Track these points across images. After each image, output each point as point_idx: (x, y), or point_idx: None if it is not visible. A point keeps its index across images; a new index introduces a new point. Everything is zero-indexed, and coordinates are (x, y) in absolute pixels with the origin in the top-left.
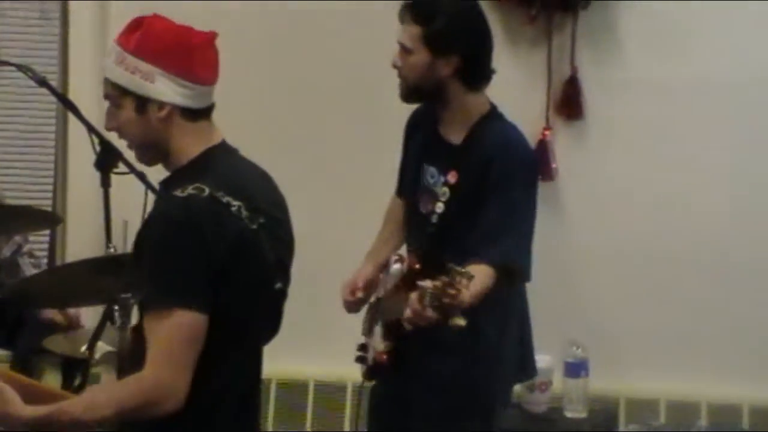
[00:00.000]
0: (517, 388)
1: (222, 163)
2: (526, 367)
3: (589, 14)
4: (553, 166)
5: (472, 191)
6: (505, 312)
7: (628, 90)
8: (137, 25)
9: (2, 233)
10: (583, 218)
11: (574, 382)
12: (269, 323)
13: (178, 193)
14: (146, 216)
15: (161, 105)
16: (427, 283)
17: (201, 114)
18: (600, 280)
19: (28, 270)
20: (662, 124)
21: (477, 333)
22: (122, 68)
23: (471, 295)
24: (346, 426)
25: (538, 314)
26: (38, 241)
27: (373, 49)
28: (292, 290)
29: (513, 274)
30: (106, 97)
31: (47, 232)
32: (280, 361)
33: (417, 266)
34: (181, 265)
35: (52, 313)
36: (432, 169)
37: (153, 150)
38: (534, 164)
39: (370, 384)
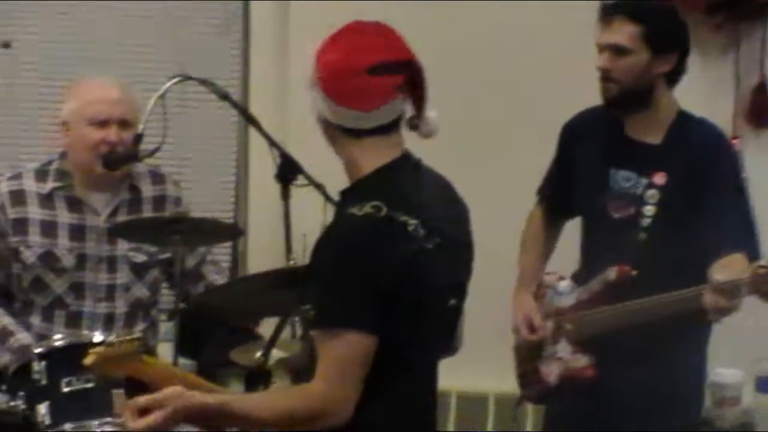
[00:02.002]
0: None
1: (401, 179)
2: None
3: None
4: (743, 175)
5: (689, 192)
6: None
7: None
8: (327, 39)
9: (187, 245)
10: None
11: (765, 398)
12: (443, 340)
13: (356, 211)
14: (324, 230)
15: (325, 119)
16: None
17: (368, 133)
18: None
19: (212, 277)
20: None
21: (679, 342)
22: (307, 80)
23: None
24: None
25: (729, 330)
26: (220, 253)
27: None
28: (473, 303)
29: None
30: None
31: (229, 244)
32: (460, 373)
33: (633, 272)
34: (352, 287)
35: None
36: (625, 173)
37: (337, 154)
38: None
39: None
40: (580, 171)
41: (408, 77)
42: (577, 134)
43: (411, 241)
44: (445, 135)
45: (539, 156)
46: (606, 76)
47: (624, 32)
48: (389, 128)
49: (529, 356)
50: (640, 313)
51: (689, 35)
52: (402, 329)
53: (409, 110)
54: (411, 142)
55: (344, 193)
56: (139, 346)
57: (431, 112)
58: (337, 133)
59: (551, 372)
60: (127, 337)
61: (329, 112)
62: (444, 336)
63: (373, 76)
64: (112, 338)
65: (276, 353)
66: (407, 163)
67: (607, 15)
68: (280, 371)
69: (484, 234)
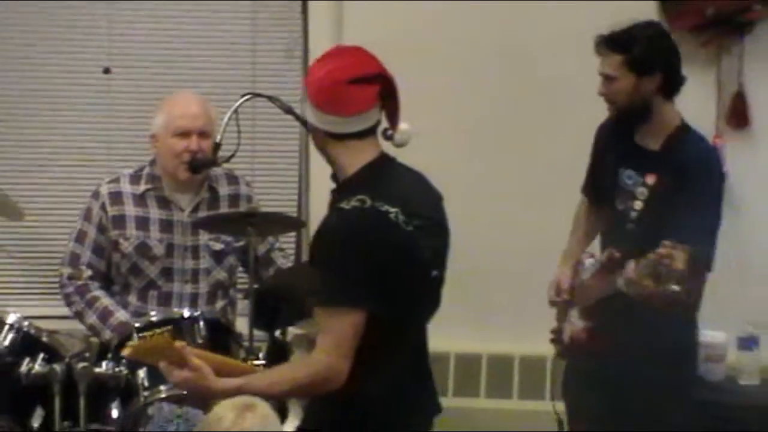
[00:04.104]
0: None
1: (380, 175)
2: None
3: (756, 37)
4: (725, 168)
5: (670, 192)
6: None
7: None
8: (313, 65)
9: (259, 235)
10: (751, 213)
11: (746, 355)
12: (429, 306)
13: (344, 205)
14: (320, 224)
15: (315, 128)
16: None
17: (351, 136)
18: None
19: (280, 262)
20: None
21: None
22: (302, 102)
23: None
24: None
25: (717, 297)
26: (286, 242)
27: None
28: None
29: (698, 262)
30: None
31: (293, 234)
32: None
33: (617, 254)
34: (346, 271)
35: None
36: (629, 172)
37: (327, 160)
38: (723, 174)
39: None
40: (602, 169)
41: (383, 88)
42: (602, 137)
43: (393, 226)
44: (486, 133)
45: (569, 152)
46: (606, 99)
47: (610, 62)
48: (368, 133)
49: (560, 318)
50: (586, 293)
51: (675, 54)
52: (395, 302)
53: (385, 122)
54: (450, 139)
55: (334, 192)
56: (167, 338)
57: (404, 124)
58: (325, 140)
59: (565, 332)
60: (158, 331)
61: (318, 120)
62: (429, 303)
63: (353, 85)
64: (146, 333)
65: (293, 330)
66: (385, 160)
67: (597, 48)
68: (296, 345)
69: (533, 222)
